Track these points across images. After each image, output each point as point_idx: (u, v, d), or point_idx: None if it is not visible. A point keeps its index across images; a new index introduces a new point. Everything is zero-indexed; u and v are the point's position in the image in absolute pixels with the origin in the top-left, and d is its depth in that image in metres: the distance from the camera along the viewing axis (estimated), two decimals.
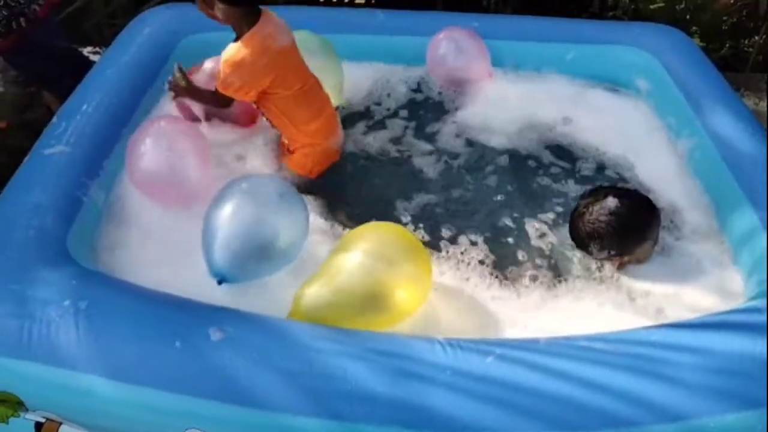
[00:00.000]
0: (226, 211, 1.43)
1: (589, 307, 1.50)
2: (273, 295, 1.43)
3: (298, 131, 1.84)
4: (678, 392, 1.17)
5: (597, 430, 1.13)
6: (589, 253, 1.60)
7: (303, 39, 1.93)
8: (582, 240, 1.60)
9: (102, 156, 1.68)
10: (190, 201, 1.65)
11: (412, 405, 1.14)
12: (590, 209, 1.56)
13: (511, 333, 1.40)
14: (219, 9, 1.69)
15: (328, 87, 1.98)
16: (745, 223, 1.61)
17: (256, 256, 1.42)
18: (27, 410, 1.24)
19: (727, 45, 3.57)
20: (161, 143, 1.63)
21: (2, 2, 2.37)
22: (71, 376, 1.17)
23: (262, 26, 1.71)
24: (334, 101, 2.02)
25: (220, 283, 1.38)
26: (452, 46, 2.18)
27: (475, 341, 1.25)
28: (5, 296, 1.25)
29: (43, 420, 1.25)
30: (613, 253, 1.57)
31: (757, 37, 3.49)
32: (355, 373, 1.17)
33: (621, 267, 1.59)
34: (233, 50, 1.71)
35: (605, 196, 1.56)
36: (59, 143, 1.65)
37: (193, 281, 1.41)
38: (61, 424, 1.25)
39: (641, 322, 1.39)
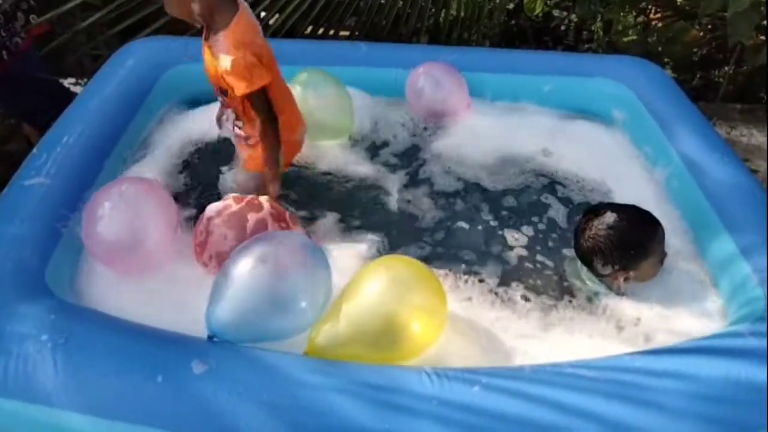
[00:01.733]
0: (244, 268, 1.29)
1: (578, 332, 1.51)
2: None
3: None
4: (662, 418, 1.18)
5: None
6: (595, 270, 1.62)
7: (309, 76, 2.02)
8: (585, 256, 1.63)
9: (82, 188, 1.66)
10: (151, 269, 1.53)
11: None
12: (590, 225, 1.60)
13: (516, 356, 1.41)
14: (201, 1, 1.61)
15: (343, 116, 2.04)
16: (724, 249, 1.64)
17: (261, 325, 1.30)
18: None
19: (698, 76, 3.70)
20: (120, 208, 1.48)
21: None
22: (49, 412, 1.15)
23: (244, 10, 1.69)
24: (347, 131, 2.09)
25: (210, 338, 1.27)
26: (430, 80, 2.22)
27: (462, 370, 1.25)
28: None
29: None
30: (616, 267, 1.58)
31: (726, 68, 3.61)
32: (340, 406, 1.15)
33: (626, 282, 1.60)
34: (230, 37, 1.62)
35: (604, 212, 1.60)
36: (39, 175, 1.64)
37: (174, 315, 1.39)
38: None
39: (625, 348, 1.41)
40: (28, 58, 2.58)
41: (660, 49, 3.56)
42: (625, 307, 1.57)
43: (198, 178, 1.98)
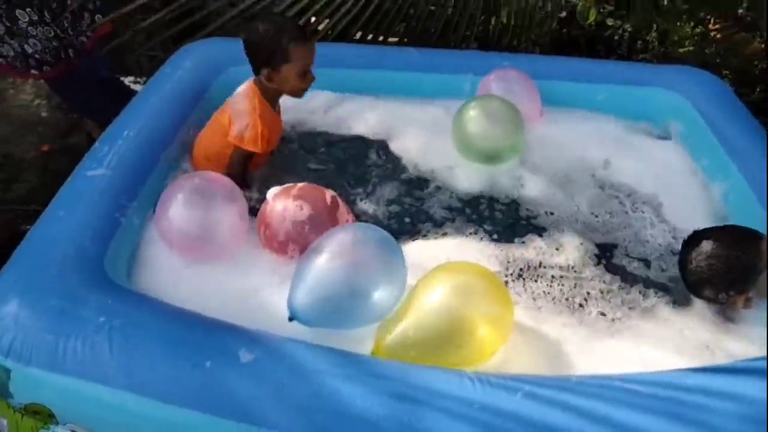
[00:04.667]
0: (325, 256, 1.38)
1: (644, 343, 1.49)
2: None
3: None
4: None
5: None
6: (712, 301, 1.58)
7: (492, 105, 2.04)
8: (696, 291, 1.59)
9: (141, 179, 1.73)
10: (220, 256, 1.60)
11: None
12: (690, 258, 1.56)
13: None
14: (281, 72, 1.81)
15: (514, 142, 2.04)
16: None
17: (338, 312, 1.38)
18: (57, 423, 1.25)
19: (758, 89, 3.56)
20: (194, 199, 1.57)
21: (52, 34, 2.50)
22: (103, 390, 1.19)
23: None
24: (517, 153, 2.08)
25: (290, 320, 1.37)
26: (502, 86, 2.18)
27: (505, 377, 1.24)
28: (44, 311, 1.28)
29: None
30: (731, 294, 1.54)
31: None
32: (378, 406, 1.15)
33: (747, 304, 1.55)
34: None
35: (701, 241, 1.55)
36: (101, 166, 1.70)
37: (225, 302, 1.44)
38: None
39: (689, 362, 1.38)
40: (92, 57, 2.71)
41: (718, 60, 3.45)
42: (686, 321, 1.54)
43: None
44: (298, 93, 1.90)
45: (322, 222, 1.57)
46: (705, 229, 1.62)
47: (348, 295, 1.37)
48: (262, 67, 1.82)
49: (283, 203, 1.59)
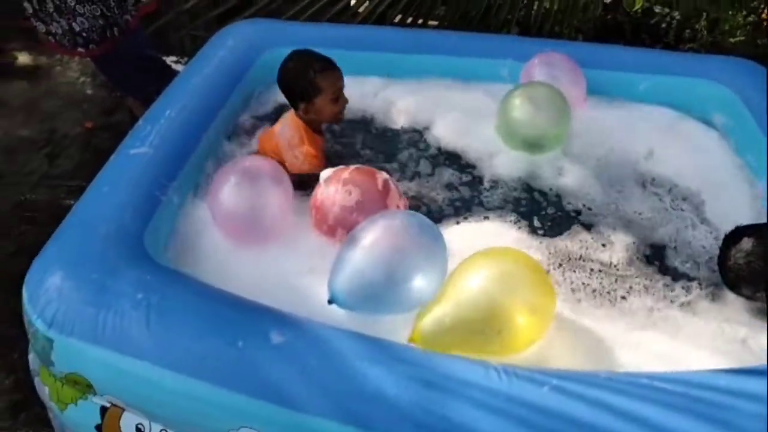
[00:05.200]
0: (366, 242, 1.40)
1: (681, 338, 1.48)
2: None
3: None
4: None
5: None
6: (750, 298, 1.56)
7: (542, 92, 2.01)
8: (734, 288, 1.57)
9: (182, 159, 1.76)
10: (269, 240, 1.64)
11: (458, 425, 1.13)
12: (729, 255, 1.54)
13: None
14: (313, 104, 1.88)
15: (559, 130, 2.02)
16: None
17: (377, 298, 1.39)
18: (95, 394, 1.30)
19: None
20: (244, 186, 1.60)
21: (99, 12, 2.55)
22: (139, 365, 1.23)
23: None
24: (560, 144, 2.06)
25: (330, 303, 1.40)
26: (545, 71, 2.14)
27: (532, 370, 1.24)
28: (86, 285, 1.33)
29: (108, 405, 1.32)
30: None
31: None
32: (402, 394, 1.16)
33: None
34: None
35: (741, 238, 1.53)
36: (143, 144, 1.74)
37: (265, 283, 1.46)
38: (124, 410, 1.31)
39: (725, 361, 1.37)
40: (136, 35, 2.75)
41: None
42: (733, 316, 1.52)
43: None
44: (335, 119, 1.98)
45: (371, 206, 1.58)
46: (746, 226, 1.60)
47: (387, 281, 1.37)
48: (299, 103, 1.90)
49: (334, 187, 1.61)
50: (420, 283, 1.39)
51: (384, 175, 1.68)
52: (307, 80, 1.86)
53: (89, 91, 3.45)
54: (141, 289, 1.31)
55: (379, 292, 1.39)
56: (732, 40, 3.49)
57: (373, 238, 1.40)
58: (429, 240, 1.44)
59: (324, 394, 1.18)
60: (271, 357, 1.22)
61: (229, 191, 1.59)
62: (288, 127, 1.94)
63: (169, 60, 3.32)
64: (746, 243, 1.51)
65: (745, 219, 1.68)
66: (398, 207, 1.65)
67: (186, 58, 3.49)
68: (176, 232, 1.66)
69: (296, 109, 1.93)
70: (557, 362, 1.36)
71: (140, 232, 1.50)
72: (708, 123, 2.23)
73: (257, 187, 1.61)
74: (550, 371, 1.25)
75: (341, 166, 1.69)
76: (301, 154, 1.88)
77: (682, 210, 1.90)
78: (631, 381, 1.22)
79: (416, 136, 2.18)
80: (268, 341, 1.23)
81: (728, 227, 1.62)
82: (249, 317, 1.29)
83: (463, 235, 1.72)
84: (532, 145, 2.01)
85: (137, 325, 1.25)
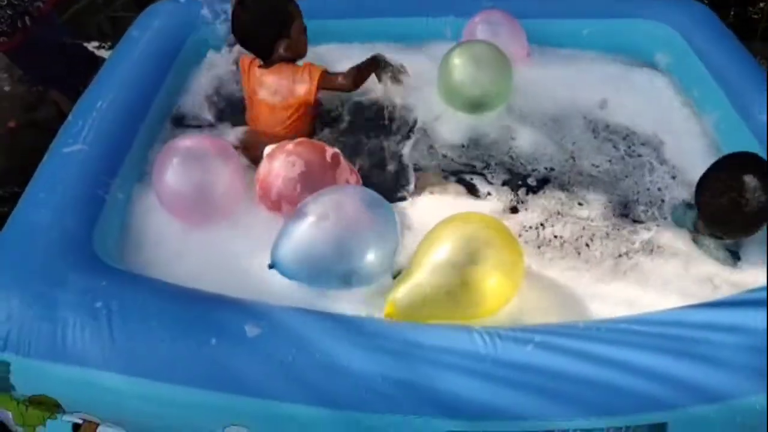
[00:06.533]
0: (312, 213, 1.38)
1: (651, 281, 1.51)
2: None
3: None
4: (720, 373, 1.16)
5: (638, 414, 1.13)
6: (721, 237, 1.55)
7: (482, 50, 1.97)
8: (716, 224, 1.54)
9: (122, 153, 1.66)
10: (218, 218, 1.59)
11: (448, 394, 1.13)
12: (742, 187, 1.45)
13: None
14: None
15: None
16: None
17: (319, 269, 1.37)
18: (64, 412, 1.23)
19: (732, 12, 3.52)
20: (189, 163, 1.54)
21: (5, 2, 2.35)
22: (107, 377, 1.16)
23: None
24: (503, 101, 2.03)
25: (270, 267, 1.37)
26: (487, 29, 2.14)
27: (513, 329, 1.24)
28: (34, 299, 1.24)
29: (80, 421, 1.25)
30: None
31: (762, 4, 3.43)
32: (389, 368, 1.15)
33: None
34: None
35: (736, 174, 1.47)
36: (77, 141, 1.62)
37: (221, 275, 1.40)
38: (99, 424, 1.25)
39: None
40: (50, 22, 2.56)
41: None
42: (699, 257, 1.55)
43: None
44: (305, 49, 1.89)
45: (317, 179, 1.52)
46: (730, 157, 1.58)
47: (333, 253, 1.35)
48: (278, 42, 1.79)
49: (277, 160, 1.55)
50: (369, 257, 1.37)
51: (334, 149, 1.62)
52: (279, 9, 1.77)
53: (6, 88, 3.21)
54: (98, 297, 1.23)
55: (322, 263, 1.36)
56: None
57: (321, 210, 1.37)
58: (377, 214, 1.42)
59: (304, 381, 1.15)
60: (247, 351, 1.17)
61: (173, 171, 1.52)
62: (277, 77, 1.83)
63: (91, 46, 3.11)
64: (752, 180, 1.43)
65: (699, 155, 1.72)
66: (348, 182, 1.60)
67: (109, 43, 3.28)
68: (127, 227, 1.57)
69: (273, 53, 1.82)
70: (531, 319, 1.36)
71: (87, 235, 1.41)
72: (653, 64, 2.25)
73: (203, 165, 1.53)
74: (530, 328, 1.25)
75: (285, 141, 1.62)
76: (306, 74, 1.81)
77: (640, 155, 1.91)
78: (611, 327, 1.25)
79: (355, 103, 2.09)
80: (242, 335, 1.18)
81: (685, 166, 1.64)
82: (216, 312, 1.23)
83: (419, 206, 1.69)
84: (475, 104, 2.00)
85: (99, 335, 1.18)
